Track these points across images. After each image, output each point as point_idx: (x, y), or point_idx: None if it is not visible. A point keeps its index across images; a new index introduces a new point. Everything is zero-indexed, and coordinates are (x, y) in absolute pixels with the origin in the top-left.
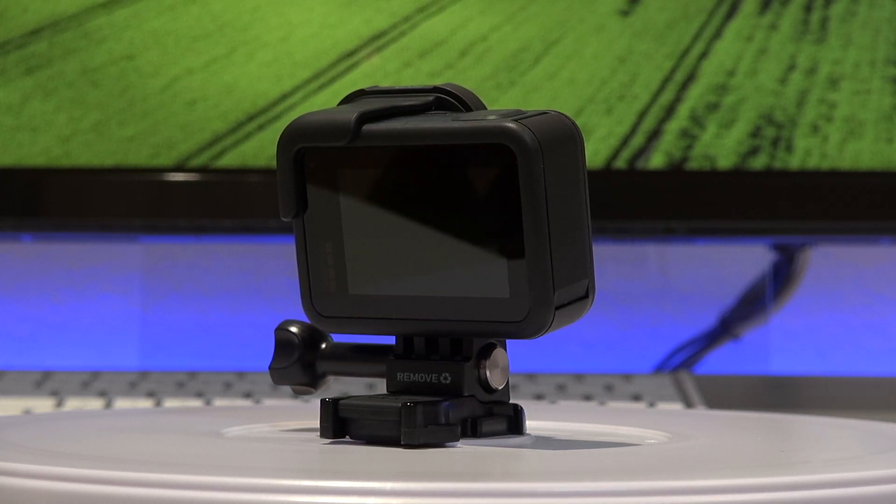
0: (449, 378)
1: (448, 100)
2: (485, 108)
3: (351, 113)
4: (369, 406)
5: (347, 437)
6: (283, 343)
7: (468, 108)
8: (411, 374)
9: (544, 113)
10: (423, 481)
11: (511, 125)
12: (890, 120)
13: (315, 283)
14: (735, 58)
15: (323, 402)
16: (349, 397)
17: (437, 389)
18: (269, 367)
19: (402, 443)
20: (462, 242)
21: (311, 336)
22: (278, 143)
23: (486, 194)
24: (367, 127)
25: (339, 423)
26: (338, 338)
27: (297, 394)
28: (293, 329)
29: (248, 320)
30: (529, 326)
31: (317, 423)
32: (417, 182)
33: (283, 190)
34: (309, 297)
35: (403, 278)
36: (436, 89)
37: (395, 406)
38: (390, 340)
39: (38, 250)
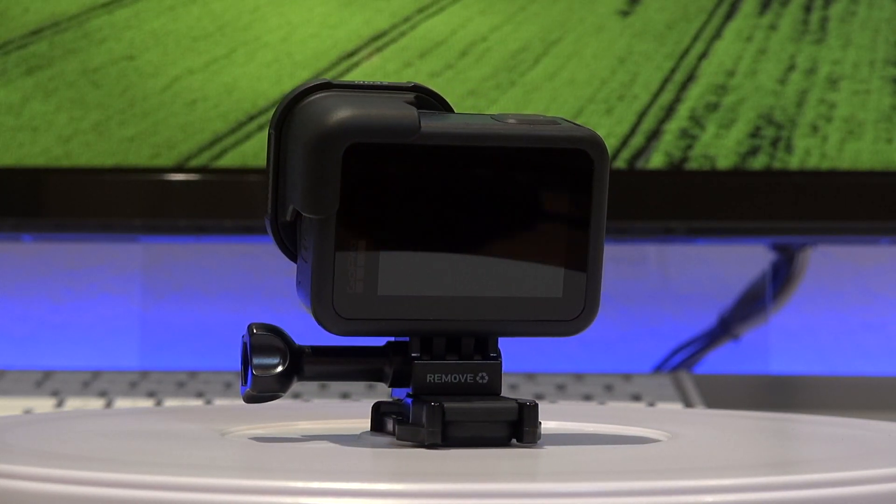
0: (486, 377)
1: (429, 99)
2: (452, 110)
3: (409, 109)
4: (480, 408)
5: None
6: (268, 348)
7: (448, 109)
8: (443, 375)
9: (575, 123)
10: (422, 482)
11: (590, 132)
12: (889, 120)
13: (338, 284)
14: (735, 58)
15: (430, 405)
16: (448, 399)
17: (472, 389)
18: (255, 375)
19: (524, 441)
20: (518, 244)
21: (287, 339)
22: (323, 137)
23: (548, 197)
24: (424, 126)
25: (444, 427)
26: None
27: (254, 402)
28: (272, 332)
29: (249, 320)
30: (579, 324)
31: (319, 423)
32: (473, 183)
33: (322, 186)
34: (330, 298)
35: (443, 279)
36: (416, 87)
37: (512, 406)
38: (372, 342)
39: (39, 250)
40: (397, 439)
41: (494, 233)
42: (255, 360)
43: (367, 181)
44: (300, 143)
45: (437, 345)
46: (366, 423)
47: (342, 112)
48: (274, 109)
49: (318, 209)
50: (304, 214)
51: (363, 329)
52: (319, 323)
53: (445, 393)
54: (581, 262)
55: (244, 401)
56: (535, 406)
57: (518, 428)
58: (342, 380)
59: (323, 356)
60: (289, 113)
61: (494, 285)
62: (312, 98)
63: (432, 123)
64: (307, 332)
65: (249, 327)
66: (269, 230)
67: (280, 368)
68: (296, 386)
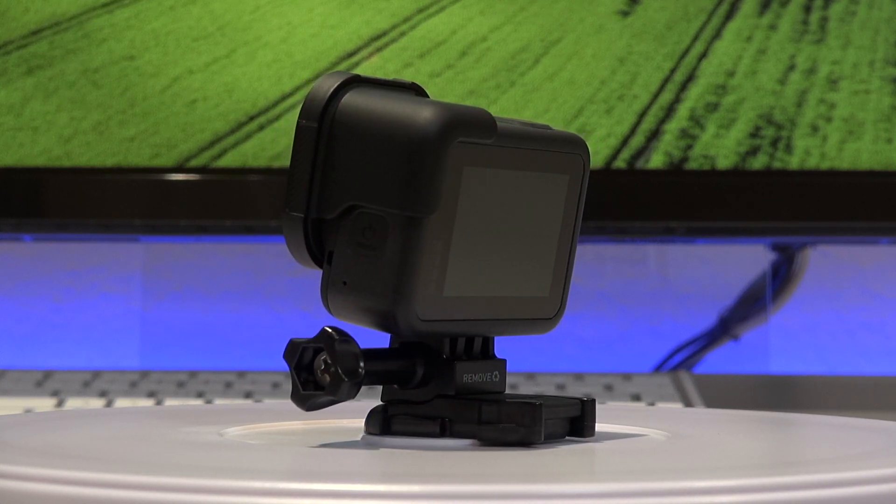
0: (498, 376)
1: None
2: None
3: (483, 109)
4: (559, 405)
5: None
6: (352, 355)
7: None
8: (473, 375)
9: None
10: (419, 484)
11: (581, 137)
12: (889, 120)
13: (420, 284)
14: (734, 58)
15: (534, 406)
16: (538, 397)
17: (492, 387)
18: (348, 382)
19: (584, 436)
20: (529, 244)
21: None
22: (436, 134)
23: (553, 199)
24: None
25: None
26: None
27: (317, 408)
28: (350, 338)
29: (249, 320)
30: (556, 322)
31: (319, 423)
32: (514, 185)
33: (432, 184)
34: (412, 299)
35: (484, 280)
36: (413, 87)
37: (577, 403)
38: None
39: (39, 250)
40: (480, 440)
41: (517, 234)
42: (344, 367)
43: (450, 181)
44: (394, 140)
45: (460, 345)
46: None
47: (443, 110)
48: (306, 101)
49: (425, 208)
50: (400, 214)
51: (429, 330)
52: (394, 324)
53: (476, 392)
54: (563, 261)
55: (306, 408)
56: (594, 402)
57: (578, 423)
58: (379, 383)
59: (369, 360)
60: (329, 105)
61: (510, 285)
62: (355, 92)
63: (501, 125)
64: (304, 333)
65: (327, 333)
66: (293, 227)
67: (360, 379)
68: None
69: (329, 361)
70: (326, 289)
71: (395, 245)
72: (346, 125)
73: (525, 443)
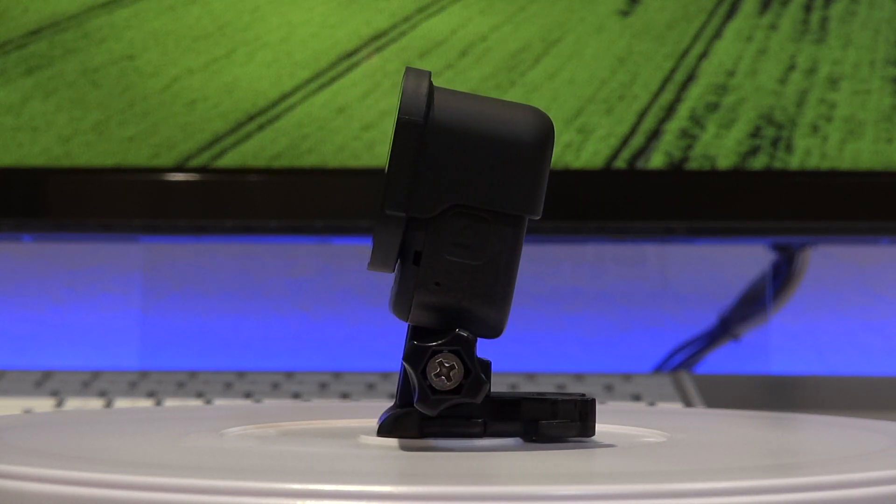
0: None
1: None
2: None
3: None
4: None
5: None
6: (480, 359)
7: None
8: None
9: None
10: (418, 485)
11: None
12: (889, 120)
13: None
14: (735, 58)
15: (587, 401)
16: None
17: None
18: (486, 385)
19: (587, 435)
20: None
21: None
22: (550, 138)
23: None
24: None
25: None
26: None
27: (436, 411)
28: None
29: (248, 320)
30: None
31: (319, 423)
32: None
33: (540, 184)
34: (510, 302)
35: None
36: None
37: (583, 399)
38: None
39: (39, 250)
40: (530, 438)
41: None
42: (484, 371)
43: None
44: (506, 141)
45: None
46: (365, 423)
47: (540, 112)
48: (405, 96)
49: (535, 208)
50: (508, 214)
51: (502, 335)
52: (486, 326)
53: (495, 391)
54: None
55: (431, 412)
56: (594, 400)
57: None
58: None
59: None
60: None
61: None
62: (441, 91)
63: None
64: (303, 333)
65: (464, 336)
66: (391, 227)
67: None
68: (294, 386)
69: (450, 364)
70: (413, 290)
71: (499, 245)
72: (448, 124)
73: (580, 437)
